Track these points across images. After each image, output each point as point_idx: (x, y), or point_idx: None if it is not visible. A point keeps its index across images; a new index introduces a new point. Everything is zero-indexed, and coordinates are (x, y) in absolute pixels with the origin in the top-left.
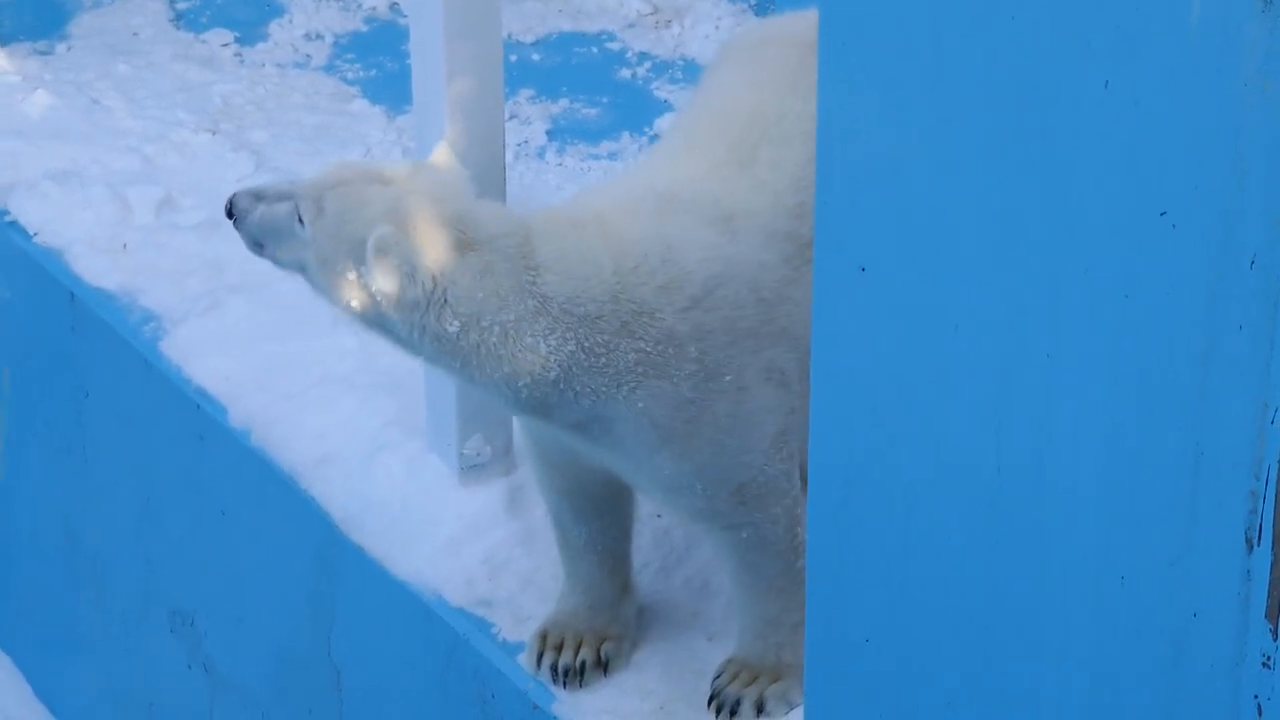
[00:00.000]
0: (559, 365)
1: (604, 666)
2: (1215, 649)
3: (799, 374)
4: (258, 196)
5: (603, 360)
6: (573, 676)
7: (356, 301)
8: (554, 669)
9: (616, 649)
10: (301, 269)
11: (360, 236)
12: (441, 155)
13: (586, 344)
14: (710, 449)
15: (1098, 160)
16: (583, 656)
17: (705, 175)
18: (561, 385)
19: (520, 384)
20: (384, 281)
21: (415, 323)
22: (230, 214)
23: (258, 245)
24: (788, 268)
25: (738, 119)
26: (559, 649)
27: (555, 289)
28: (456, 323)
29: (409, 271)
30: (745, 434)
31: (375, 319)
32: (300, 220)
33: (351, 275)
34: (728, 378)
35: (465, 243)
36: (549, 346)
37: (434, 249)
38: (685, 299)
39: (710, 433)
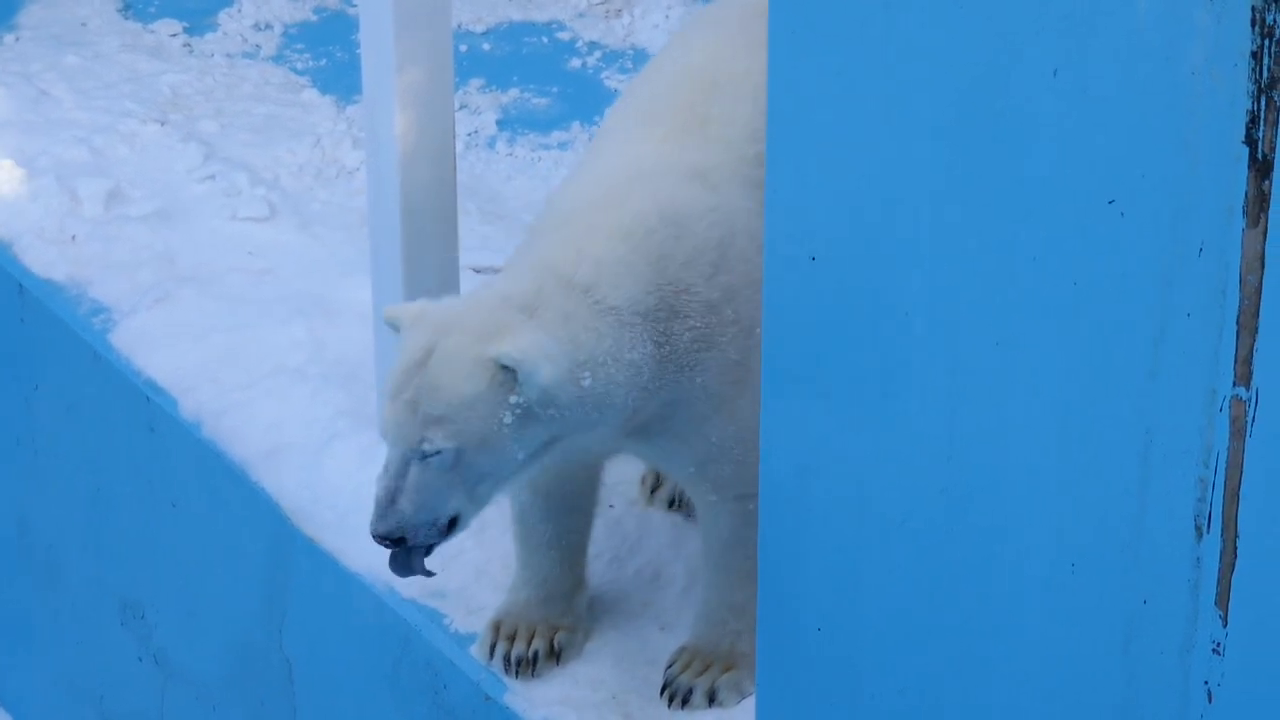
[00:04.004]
0: (648, 368)
1: (557, 656)
2: (1166, 635)
3: None
4: (390, 499)
5: (667, 349)
6: (524, 667)
7: (526, 431)
8: (506, 659)
9: (569, 639)
10: (480, 479)
11: (480, 386)
12: (396, 312)
13: (657, 338)
14: (753, 407)
15: (1046, 148)
16: (535, 647)
17: (661, 140)
18: (651, 387)
19: (632, 402)
20: (533, 383)
21: (569, 398)
22: (396, 542)
23: (440, 532)
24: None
25: (686, 82)
26: (512, 639)
27: (615, 299)
28: (586, 374)
29: (532, 364)
30: None
31: (544, 428)
32: (428, 454)
33: (508, 417)
34: (759, 330)
35: (528, 310)
36: (640, 353)
37: (521, 337)
38: (709, 266)
39: (753, 392)
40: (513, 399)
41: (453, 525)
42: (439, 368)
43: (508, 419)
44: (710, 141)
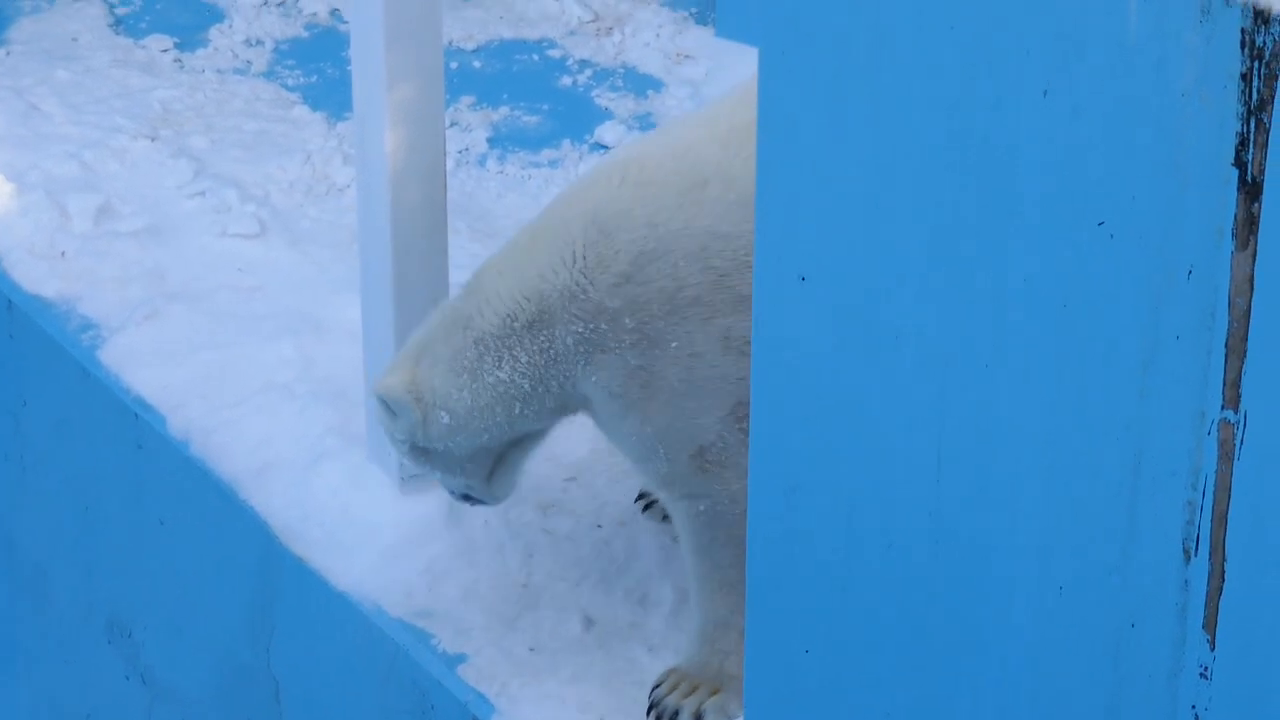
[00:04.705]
0: (527, 376)
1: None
2: (1153, 659)
3: None
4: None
5: (550, 353)
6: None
7: (437, 450)
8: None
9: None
10: (452, 472)
11: (381, 413)
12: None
13: (538, 345)
14: (668, 413)
15: (1036, 169)
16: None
17: (704, 140)
18: (540, 390)
19: (525, 408)
20: (402, 421)
21: (440, 431)
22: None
23: (469, 499)
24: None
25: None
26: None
27: (489, 325)
28: (444, 413)
29: (397, 405)
30: (701, 398)
31: (456, 446)
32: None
33: (407, 443)
34: (674, 344)
35: (423, 346)
36: (511, 367)
37: (392, 377)
38: (616, 275)
39: (666, 396)
40: (397, 433)
41: (472, 495)
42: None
43: (411, 443)
44: (736, 152)
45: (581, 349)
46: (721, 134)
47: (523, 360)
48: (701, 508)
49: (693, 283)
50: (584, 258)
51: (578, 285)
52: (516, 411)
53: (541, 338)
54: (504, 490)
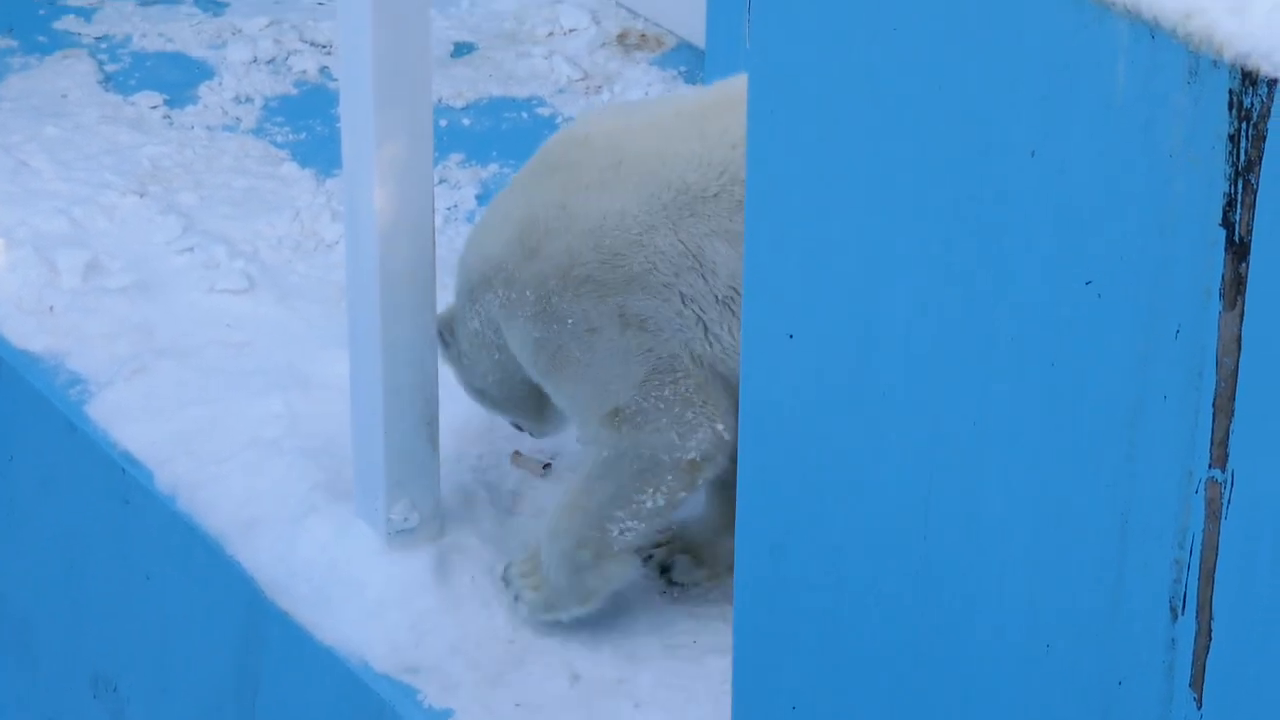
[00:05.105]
0: (480, 332)
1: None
2: (1141, 717)
3: (672, 320)
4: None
5: (484, 316)
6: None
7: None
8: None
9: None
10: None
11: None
12: None
13: (481, 308)
14: (574, 384)
15: (1024, 229)
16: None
17: (643, 124)
18: (489, 346)
19: (490, 356)
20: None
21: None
22: None
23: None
24: (655, 216)
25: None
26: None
27: (463, 282)
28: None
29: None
30: (606, 370)
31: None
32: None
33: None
34: (570, 321)
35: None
36: (477, 322)
37: (446, 311)
38: (526, 250)
39: (571, 369)
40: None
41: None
42: None
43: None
44: (660, 131)
45: (502, 315)
46: (661, 117)
47: (481, 316)
48: (606, 454)
49: (584, 260)
50: (515, 229)
51: (505, 254)
52: (496, 359)
53: (486, 298)
54: (552, 429)
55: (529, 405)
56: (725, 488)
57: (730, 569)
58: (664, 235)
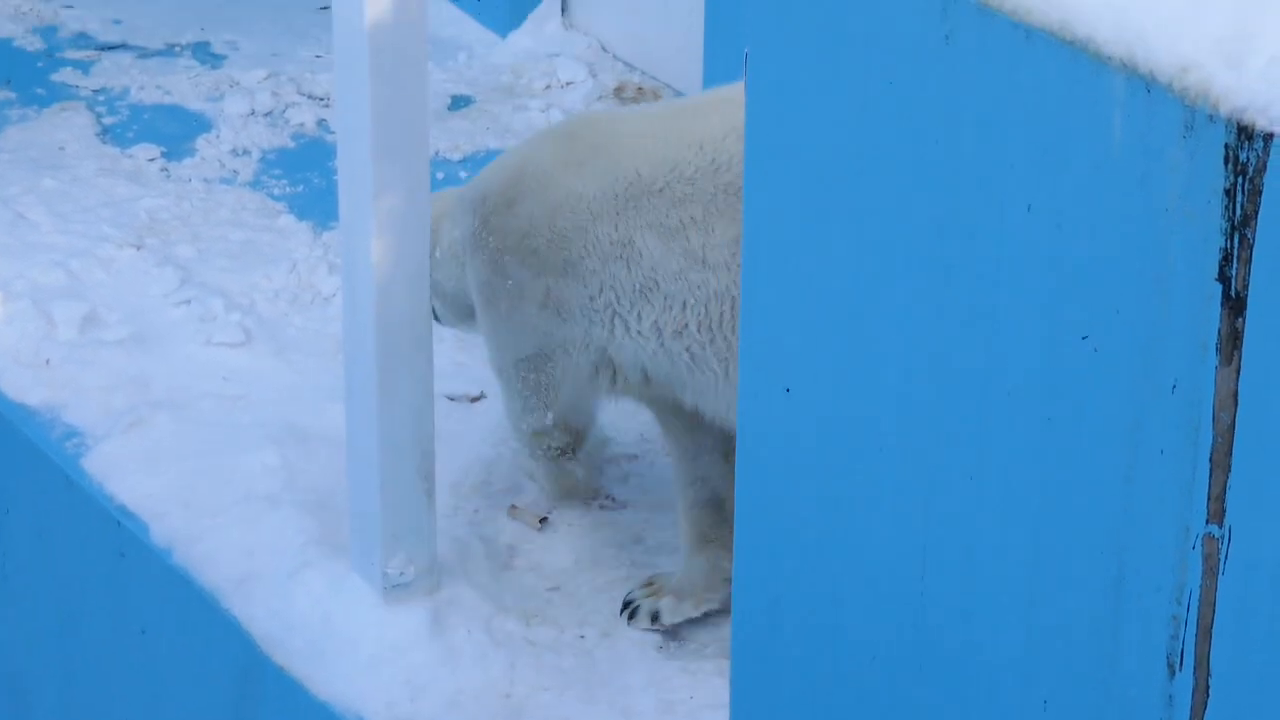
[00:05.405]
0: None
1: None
2: None
3: (584, 306)
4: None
5: (462, 233)
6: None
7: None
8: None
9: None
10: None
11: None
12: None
13: (471, 244)
14: (488, 326)
15: (1020, 283)
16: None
17: (642, 114)
18: (457, 256)
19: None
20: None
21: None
22: None
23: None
24: (605, 205)
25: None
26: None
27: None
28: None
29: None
30: (510, 334)
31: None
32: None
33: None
34: (510, 281)
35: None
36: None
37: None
38: (506, 200)
39: (491, 315)
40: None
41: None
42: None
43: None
44: (650, 128)
45: (470, 244)
46: (664, 113)
47: (460, 230)
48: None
49: (538, 234)
50: (510, 176)
51: (495, 195)
52: (458, 272)
53: (467, 221)
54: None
55: (468, 318)
56: (693, 508)
57: (709, 587)
58: (605, 225)
